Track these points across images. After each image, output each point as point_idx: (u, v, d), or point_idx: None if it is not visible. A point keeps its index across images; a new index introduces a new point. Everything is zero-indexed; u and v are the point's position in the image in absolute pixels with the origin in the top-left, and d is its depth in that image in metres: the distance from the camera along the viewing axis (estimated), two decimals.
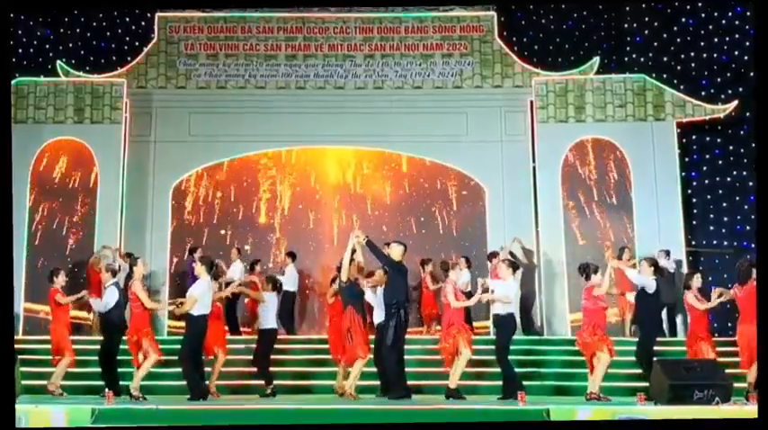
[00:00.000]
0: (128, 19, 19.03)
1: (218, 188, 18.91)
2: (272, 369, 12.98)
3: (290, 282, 16.71)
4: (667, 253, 15.93)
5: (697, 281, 12.75)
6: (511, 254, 16.06)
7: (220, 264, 14.65)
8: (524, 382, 11.87)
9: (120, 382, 12.21)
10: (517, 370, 12.21)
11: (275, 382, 12.77)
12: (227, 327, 14.34)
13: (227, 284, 13.48)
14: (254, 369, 12.88)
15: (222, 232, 18.66)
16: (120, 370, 12.62)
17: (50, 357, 12.85)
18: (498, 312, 11.96)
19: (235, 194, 18.99)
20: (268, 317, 12.79)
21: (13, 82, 16.97)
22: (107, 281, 12.63)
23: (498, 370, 12.18)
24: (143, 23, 18.97)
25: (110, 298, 12.40)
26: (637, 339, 12.67)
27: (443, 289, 12.55)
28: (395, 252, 12.06)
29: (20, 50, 18.24)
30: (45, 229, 17.48)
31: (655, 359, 11.43)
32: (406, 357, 13.56)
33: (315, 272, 18.41)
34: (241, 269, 16.28)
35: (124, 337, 12.31)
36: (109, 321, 12.49)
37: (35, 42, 18.61)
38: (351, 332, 11.87)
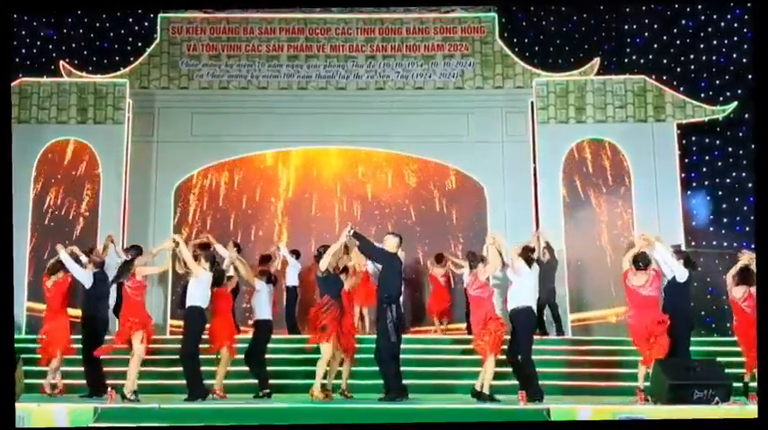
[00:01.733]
0: (130, 19, 19.04)
1: (220, 188, 18.99)
2: (273, 368, 13.00)
3: (293, 278, 16.77)
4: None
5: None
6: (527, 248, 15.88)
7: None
8: None
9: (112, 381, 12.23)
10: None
11: (276, 382, 12.78)
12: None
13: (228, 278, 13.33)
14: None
15: (224, 232, 18.70)
16: (120, 369, 12.71)
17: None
18: (516, 306, 11.50)
19: (237, 194, 19.08)
20: (261, 308, 12.62)
21: (15, 82, 17.07)
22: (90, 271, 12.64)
23: (500, 369, 12.17)
24: (146, 24, 18.98)
25: (85, 277, 12.43)
26: None
27: (471, 283, 11.99)
28: (389, 243, 11.75)
29: (23, 50, 18.29)
30: (47, 228, 17.53)
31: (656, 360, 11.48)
32: (414, 356, 13.65)
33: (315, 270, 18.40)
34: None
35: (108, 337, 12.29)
36: (91, 316, 12.44)
37: (38, 42, 18.64)
38: (322, 320, 11.50)
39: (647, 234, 12.06)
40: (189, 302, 11.45)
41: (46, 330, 12.63)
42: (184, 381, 11.48)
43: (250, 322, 13.68)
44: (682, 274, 11.73)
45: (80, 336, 12.50)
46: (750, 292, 11.83)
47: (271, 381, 12.52)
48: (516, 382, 11.71)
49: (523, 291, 11.61)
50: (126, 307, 11.59)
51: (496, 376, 11.83)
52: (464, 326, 16.16)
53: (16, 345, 10.55)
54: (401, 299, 12.17)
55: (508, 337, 11.73)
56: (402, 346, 11.90)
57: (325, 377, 11.79)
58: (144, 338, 11.37)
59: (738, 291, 12.10)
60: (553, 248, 16.41)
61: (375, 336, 11.71)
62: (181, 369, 11.64)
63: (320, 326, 11.49)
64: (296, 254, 17.08)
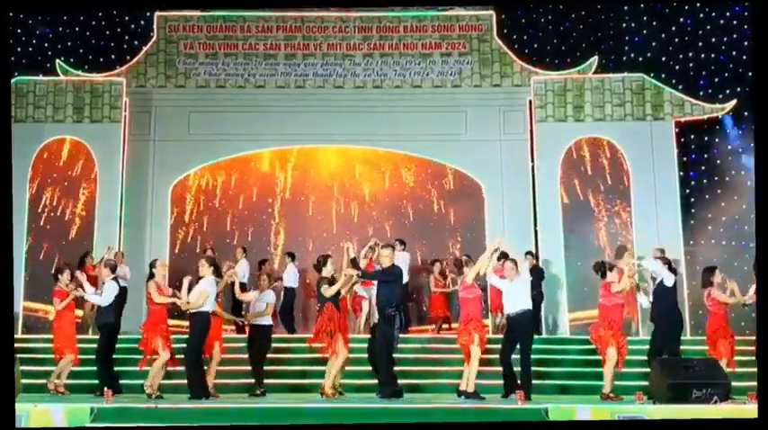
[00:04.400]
0: (127, 18, 19.02)
1: (217, 187, 18.96)
2: (272, 368, 12.99)
3: (290, 279, 16.75)
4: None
5: (718, 277, 12.68)
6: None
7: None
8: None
9: (120, 381, 12.28)
10: (517, 369, 12.09)
11: (275, 381, 12.80)
12: (229, 327, 14.40)
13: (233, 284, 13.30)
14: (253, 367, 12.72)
15: (221, 231, 18.70)
16: (121, 368, 12.71)
17: (51, 355, 12.79)
18: (514, 310, 11.71)
19: (234, 194, 19.05)
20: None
21: (12, 81, 16.99)
22: (106, 276, 12.68)
23: (492, 368, 12.21)
24: (142, 23, 18.94)
25: (110, 292, 12.49)
26: (645, 337, 12.80)
27: (462, 283, 12.20)
28: (384, 257, 11.80)
29: (19, 49, 18.21)
30: (45, 227, 17.52)
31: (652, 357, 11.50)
32: (407, 356, 13.69)
33: (312, 270, 18.32)
34: (246, 267, 16.22)
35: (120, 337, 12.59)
36: (104, 321, 12.50)
37: (34, 41, 18.59)
38: (331, 328, 11.59)
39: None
40: None
41: (66, 330, 12.73)
42: (183, 381, 11.58)
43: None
44: (669, 278, 12.38)
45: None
46: (708, 293, 12.66)
47: (269, 381, 12.54)
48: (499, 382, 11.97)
49: (519, 296, 11.76)
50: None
51: (486, 376, 11.99)
52: None
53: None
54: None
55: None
56: (403, 346, 12.01)
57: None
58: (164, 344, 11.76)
59: (705, 293, 12.81)
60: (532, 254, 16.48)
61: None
62: (179, 369, 11.68)
63: (327, 331, 11.57)
64: (291, 256, 17.07)
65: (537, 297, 16.06)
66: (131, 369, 12.58)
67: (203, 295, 11.47)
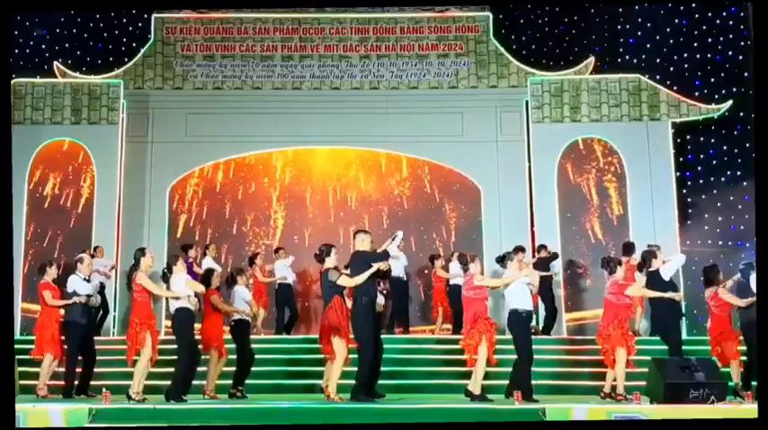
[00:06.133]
0: (124, 20, 19.02)
1: (214, 189, 18.97)
2: (271, 368, 13.01)
3: (283, 274, 16.73)
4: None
5: (721, 275, 12.45)
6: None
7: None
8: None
9: (116, 382, 12.26)
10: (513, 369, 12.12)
11: (275, 382, 12.84)
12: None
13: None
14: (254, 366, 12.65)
15: (218, 233, 18.72)
16: (116, 369, 12.72)
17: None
18: (516, 307, 11.48)
19: (231, 194, 19.09)
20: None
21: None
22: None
23: (494, 369, 12.21)
24: (140, 24, 18.93)
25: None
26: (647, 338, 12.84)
27: (467, 282, 11.73)
28: (361, 242, 11.39)
29: (17, 51, 18.23)
30: (42, 229, 17.53)
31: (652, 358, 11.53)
32: (412, 356, 13.70)
33: (311, 270, 18.38)
34: (211, 264, 15.52)
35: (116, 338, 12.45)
36: (74, 320, 12.43)
37: (32, 43, 18.62)
38: (340, 325, 11.06)
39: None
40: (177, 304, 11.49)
41: (50, 328, 12.49)
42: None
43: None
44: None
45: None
46: (714, 293, 12.29)
47: (268, 381, 12.57)
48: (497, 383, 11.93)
49: (518, 294, 11.60)
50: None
51: (488, 376, 11.89)
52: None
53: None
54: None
55: (501, 337, 11.78)
56: (405, 346, 11.96)
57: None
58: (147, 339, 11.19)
59: (707, 292, 12.48)
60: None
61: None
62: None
63: (335, 328, 11.12)
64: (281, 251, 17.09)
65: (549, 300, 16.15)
66: (127, 370, 12.55)
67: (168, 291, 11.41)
